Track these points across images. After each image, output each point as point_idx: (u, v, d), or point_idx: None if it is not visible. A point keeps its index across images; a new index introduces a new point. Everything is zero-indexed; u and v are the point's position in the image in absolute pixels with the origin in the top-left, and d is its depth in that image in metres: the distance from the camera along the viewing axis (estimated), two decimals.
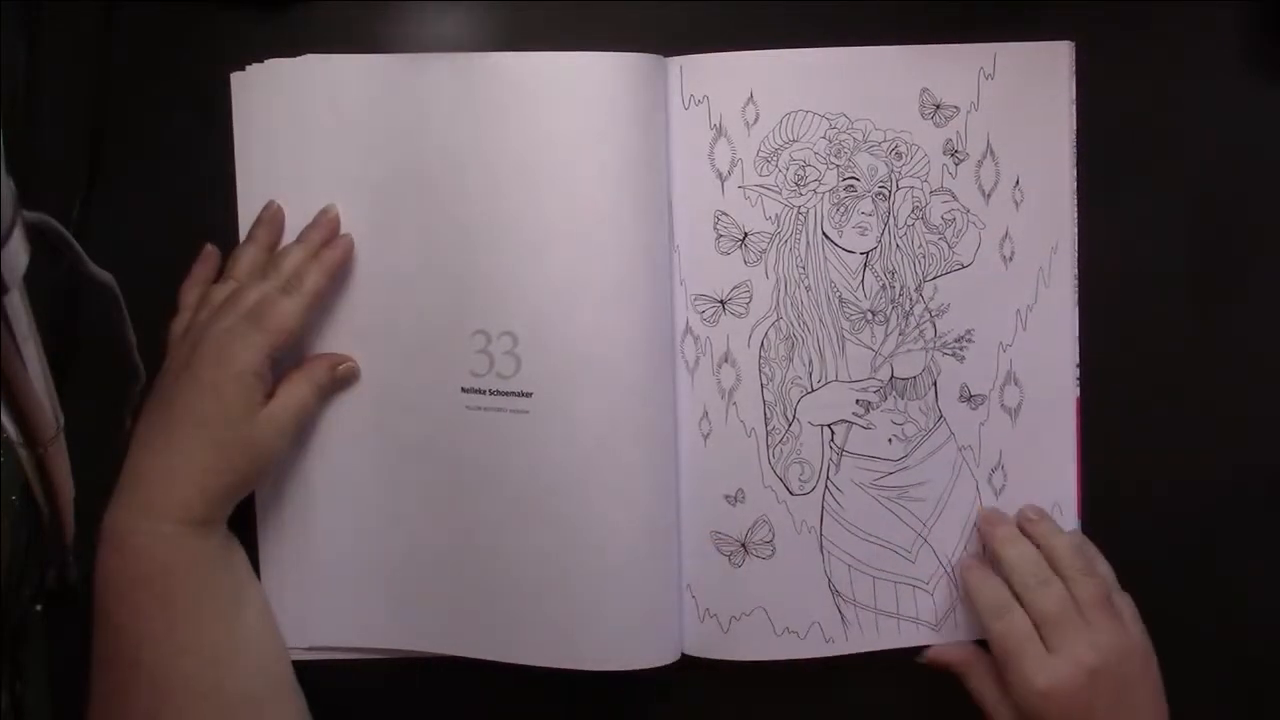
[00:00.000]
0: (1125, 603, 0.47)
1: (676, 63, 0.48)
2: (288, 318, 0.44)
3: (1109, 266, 0.50)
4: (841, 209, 0.49)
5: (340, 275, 0.47)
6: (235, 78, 0.48)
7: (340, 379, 0.47)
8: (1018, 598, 0.46)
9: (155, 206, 0.49)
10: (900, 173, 0.49)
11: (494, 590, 0.47)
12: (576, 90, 0.46)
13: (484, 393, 0.47)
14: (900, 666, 0.50)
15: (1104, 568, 0.48)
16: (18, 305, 0.31)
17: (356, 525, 0.49)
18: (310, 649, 0.49)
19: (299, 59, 0.47)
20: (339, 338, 0.48)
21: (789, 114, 0.48)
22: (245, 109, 0.48)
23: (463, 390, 0.47)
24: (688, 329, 0.49)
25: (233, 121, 0.48)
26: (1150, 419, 0.51)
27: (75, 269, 0.37)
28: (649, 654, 0.47)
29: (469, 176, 0.46)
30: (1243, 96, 0.51)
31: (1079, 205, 0.50)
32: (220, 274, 0.48)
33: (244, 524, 0.48)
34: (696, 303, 0.49)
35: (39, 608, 0.47)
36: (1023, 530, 0.48)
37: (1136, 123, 0.51)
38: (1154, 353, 0.51)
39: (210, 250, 0.48)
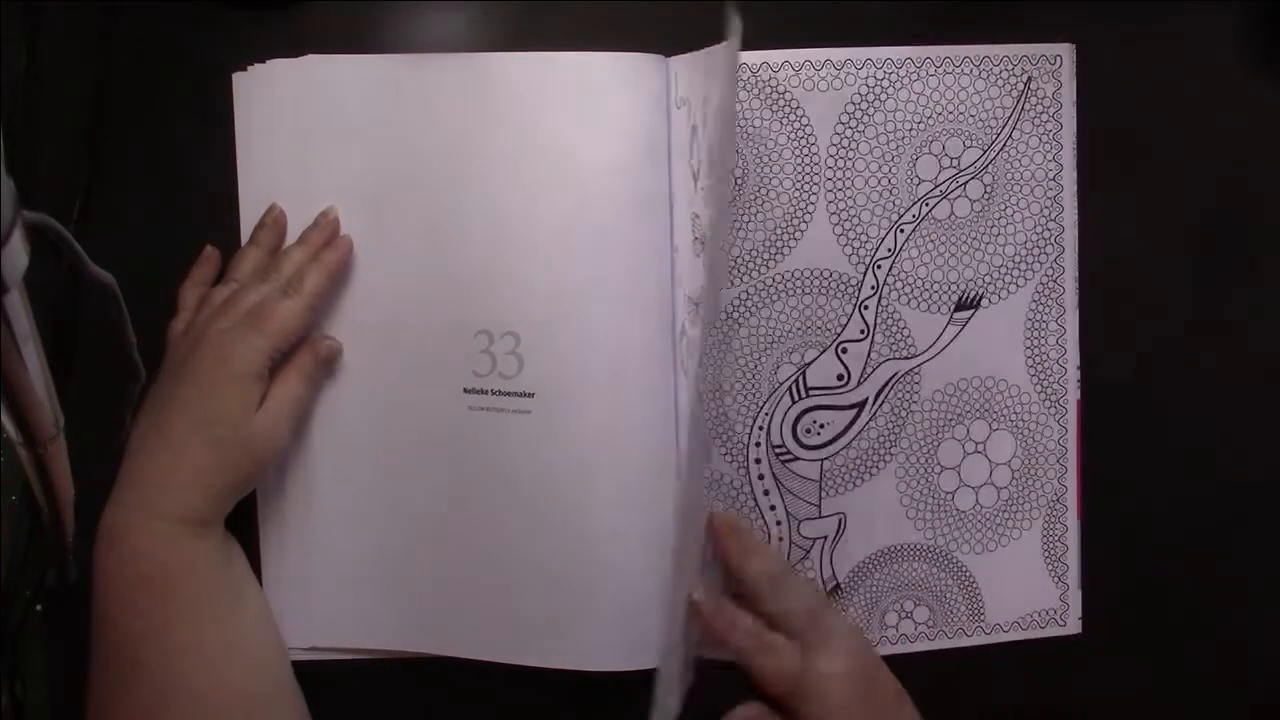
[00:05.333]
0: None
1: (675, 63, 0.48)
2: (288, 319, 0.44)
3: (1109, 266, 0.50)
4: None
5: (341, 276, 0.47)
6: (236, 78, 0.48)
7: (325, 359, 0.47)
8: (761, 612, 0.43)
9: (155, 206, 0.49)
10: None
11: (495, 591, 0.47)
12: (578, 91, 0.46)
13: (486, 393, 0.47)
14: (901, 671, 0.50)
15: None
16: (18, 305, 0.31)
17: (356, 525, 0.49)
18: (310, 649, 0.49)
19: (300, 59, 0.47)
20: (341, 338, 0.48)
21: None
22: (246, 109, 0.48)
23: (465, 390, 0.47)
24: (683, 330, 0.49)
25: (233, 121, 0.48)
26: (1150, 419, 0.51)
27: (75, 269, 0.37)
28: (652, 655, 0.47)
29: (470, 177, 0.46)
30: (1243, 96, 0.51)
31: (1078, 205, 0.50)
32: (222, 276, 0.48)
33: (244, 524, 0.48)
34: (687, 304, 0.49)
35: (39, 608, 0.47)
36: (718, 544, 0.45)
37: (1136, 123, 0.51)
38: (1154, 352, 0.51)
39: (210, 252, 0.48)
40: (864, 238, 0.49)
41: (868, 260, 0.49)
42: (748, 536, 0.45)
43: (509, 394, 0.46)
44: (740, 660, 0.42)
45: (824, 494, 0.49)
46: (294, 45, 0.48)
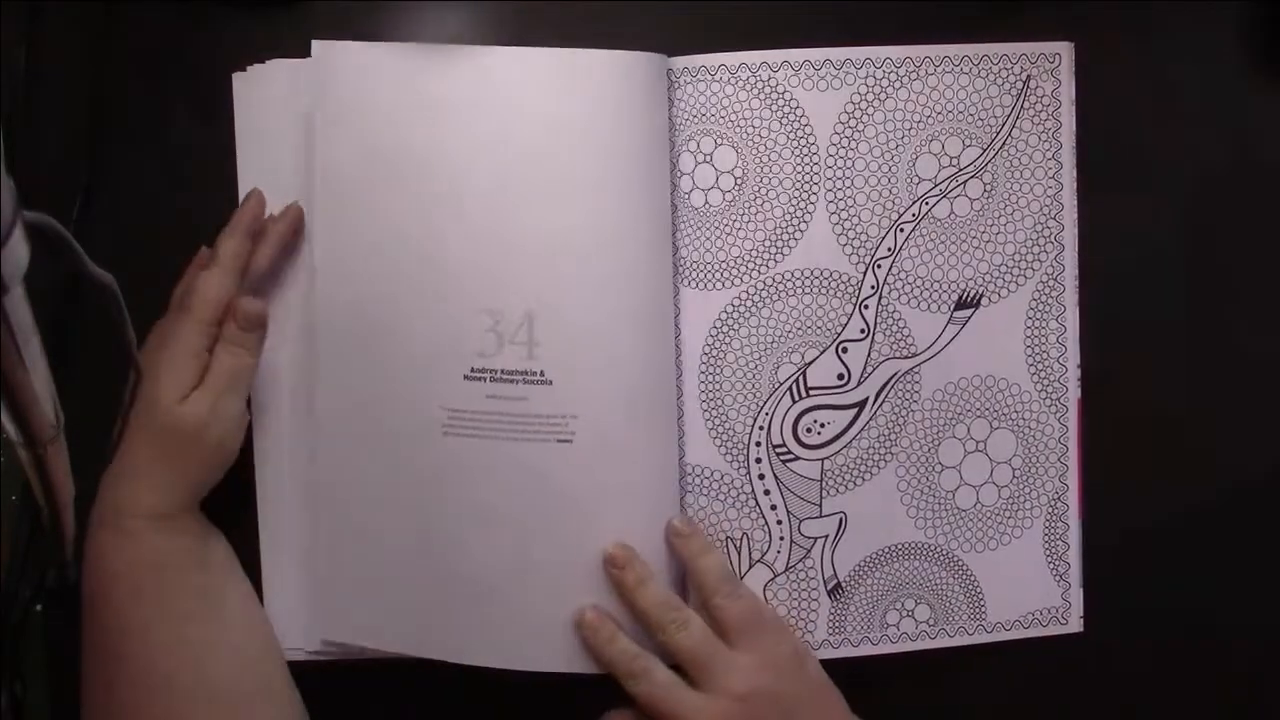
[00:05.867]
0: (772, 617, 0.47)
1: (679, 63, 0.48)
2: (206, 289, 0.43)
3: (1109, 266, 0.50)
4: None
5: (253, 229, 0.46)
6: (236, 78, 0.48)
7: (245, 320, 0.44)
8: (656, 640, 0.45)
9: (155, 206, 0.49)
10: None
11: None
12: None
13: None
14: (903, 670, 0.50)
15: (746, 587, 0.47)
16: (18, 305, 0.31)
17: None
18: (314, 652, 0.48)
19: (305, 61, 0.47)
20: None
21: None
22: (246, 109, 0.48)
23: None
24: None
25: (233, 121, 0.48)
26: (1150, 419, 0.51)
27: (75, 269, 0.37)
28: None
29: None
30: (1243, 96, 0.51)
31: (1080, 204, 0.50)
32: None
33: (245, 524, 0.48)
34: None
35: (39, 608, 0.47)
36: (671, 545, 0.47)
37: (1134, 123, 0.51)
38: (1154, 353, 0.51)
39: (206, 252, 0.48)
40: (864, 237, 0.49)
41: (868, 260, 0.49)
42: (640, 568, 0.45)
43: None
44: (615, 678, 0.44)
45: (825, 493, 0.49)
46: (294, 45, 0.48)
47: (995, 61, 0.49)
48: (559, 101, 0.46)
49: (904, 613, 0.50)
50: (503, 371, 0.46)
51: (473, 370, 0.46)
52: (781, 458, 0.49)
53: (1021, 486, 0.50)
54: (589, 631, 0.45)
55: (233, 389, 0.44)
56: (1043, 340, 0.50)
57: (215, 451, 0.44)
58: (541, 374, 0.46)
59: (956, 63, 0.49)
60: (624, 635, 0.45)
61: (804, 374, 0.49)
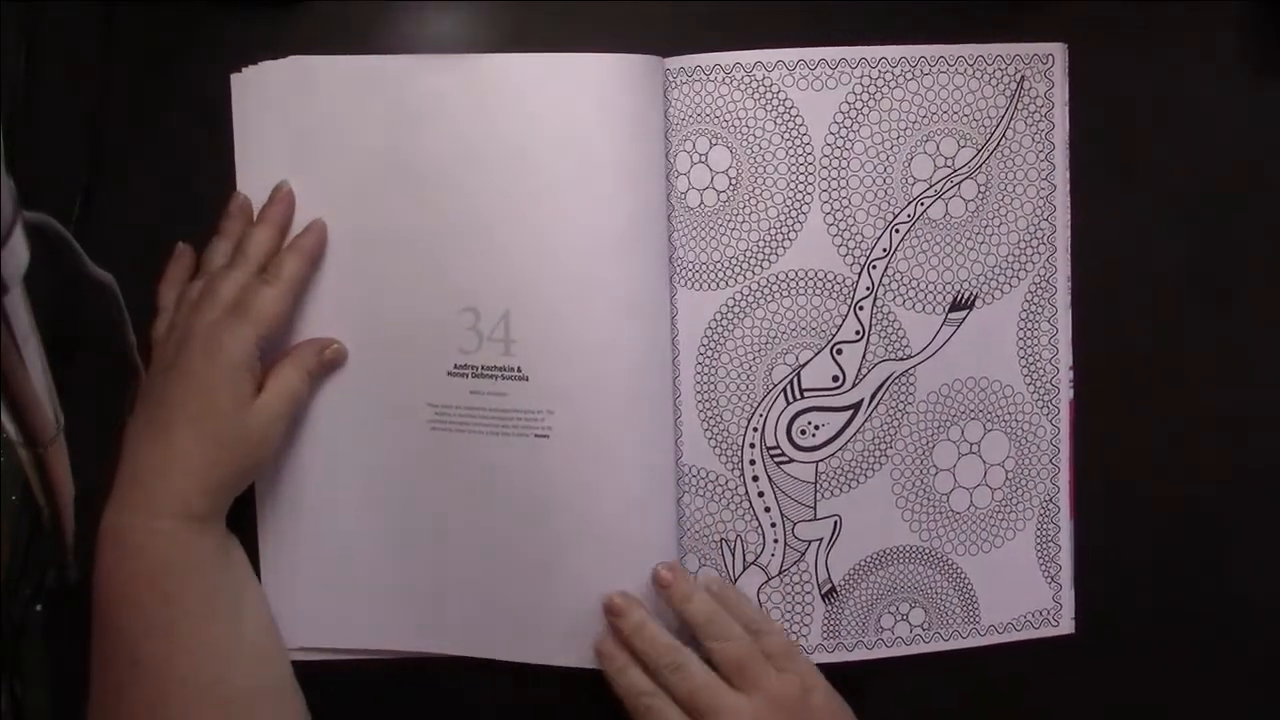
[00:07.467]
0: (775, 646, 0.46)
1: (674, 63, 0.48)
2: (270, 305, 0.44)
3: (1107, 267, 0.50)
4: None
5: (318, 259, 0.47)
6: (234, 79, 0.48)
7: (328, 362, 0.47)
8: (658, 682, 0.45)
9: (155, 207, 0.49)
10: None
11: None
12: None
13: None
14: (898, 674, 0.50)
15: (738, 627, 0.46)
16: (18, 305, 0.32)
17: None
18: (312, 649, 0.49)
19: (296, 60, 0.48)
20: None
21: None
22: (244, 110, 0.48)
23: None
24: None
25: (232, 122, 0.48)
26: (1149, 419, 0.51)
27: (75, 269, 0.37)
28: None
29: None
30: (1242, 96, 0.51)
31: (1076, 205, 0.50)
32: (196, 272, 0.48)
33: (244, 523, 0.48)
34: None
35: (39, 608, 0.48)
36: (658, 588, 0.47)
37: (1134, 123, 0.51)
38: (1153, 353, 0.51)
39: (183, 248, 0.48)
40: (859, 238, 0.49)
41: (862, 261, 0.49)
42: (635, 614, 0.46)
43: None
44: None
45: (819, 496, 0.49)
46: (294, 46, 0.48)
47: (989, 62, 0.49)
48: (555, 107, 0.46)
49: (898, 616, 0.50)
50: (483, 367, 0.47)
51: (456, 367, 0.47)
52: (775, 460, 0.49)
53: (1014, 489, 0.50)
54: (605, 661, 0.46)
55: (290, 408, 0.45)
56: (1035, 342, 0.50)
57: (264, 461, 0.45)
58: (518, 370, 0.46)
59: (951, 63, 0.49)
60: (635, 669, 0.46)
61: (798, 375, 0.49)
